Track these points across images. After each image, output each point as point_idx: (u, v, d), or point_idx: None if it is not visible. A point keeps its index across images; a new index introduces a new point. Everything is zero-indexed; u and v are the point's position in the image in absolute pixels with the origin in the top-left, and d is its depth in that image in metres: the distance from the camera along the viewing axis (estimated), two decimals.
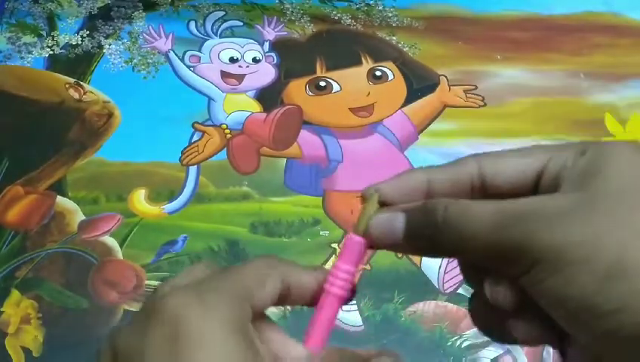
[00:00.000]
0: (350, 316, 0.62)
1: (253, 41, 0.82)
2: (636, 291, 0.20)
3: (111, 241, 0.67)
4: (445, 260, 0.65)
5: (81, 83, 0.78)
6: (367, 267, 0.65)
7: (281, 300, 0.26)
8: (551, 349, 0.61)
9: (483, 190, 0.25)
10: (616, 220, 0.21)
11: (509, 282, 0.23)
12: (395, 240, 0.25)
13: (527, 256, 0.22)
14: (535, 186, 0.24)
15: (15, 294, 0.63)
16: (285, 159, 0.73)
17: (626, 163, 0.22)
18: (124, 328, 0.24)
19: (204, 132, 0.74)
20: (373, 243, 0.26)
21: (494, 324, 0.25)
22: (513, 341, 0.25)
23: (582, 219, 0.21)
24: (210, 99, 0.77)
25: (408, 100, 0.77)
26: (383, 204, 0.26)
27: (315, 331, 0.26)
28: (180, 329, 0.22)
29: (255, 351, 0.23)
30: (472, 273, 0.26)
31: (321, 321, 0.26)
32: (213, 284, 0.24)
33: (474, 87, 0.79)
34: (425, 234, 0.24)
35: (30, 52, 0.81)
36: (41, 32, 0.83)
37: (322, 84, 0.78)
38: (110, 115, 0.76)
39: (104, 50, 0.81)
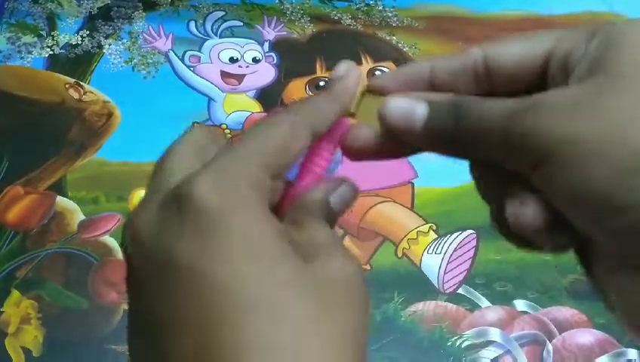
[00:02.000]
0: None
1: (253, 41, 0.82)
2: None
3: (111, 241, 0.67)
4: (445, 260, 0.65)
5: (81, 83, 0.78)
6: (367, 267, 0.65)
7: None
8: (551, 349, 0.61)
9: (488, 79, 0.24)
10: (637, 105, 0.19)
11: (534, 200, 0.22)
12: (411, 127, 0.24)
13: (540, 147, 0.20)
14: (542, 72, 0.23)
15: (15, 294, 0.63)
16: None
17: None
18: (146, 227, 0.22)
19: None
20: (388, 128, 0.25)
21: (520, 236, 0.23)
22: (541, 249, 0.23)
23: (598, 106, 0.20)
24: (210, 99, 0.77)
25: None
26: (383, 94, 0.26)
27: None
28: (206, 227, 0.20)
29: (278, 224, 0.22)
30: (492, 189, 0.24)
31: (301, 188, 0.26)
32: (231, 165, 0.22)
33: None
34: (445, 124, 0.23)
35: (30, 52, 0.81)
36: (41, 32, 0.83)
37: (322, 84, 0.78)
38: (110, 114, 0.76)
39: (104, 50, 0.81)
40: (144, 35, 0.83)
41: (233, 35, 0.83)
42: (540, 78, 0.23)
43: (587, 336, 0.62)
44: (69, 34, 0.83)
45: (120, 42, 0.82)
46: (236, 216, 0.21)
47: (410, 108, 0.24)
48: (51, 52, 0.81)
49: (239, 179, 0.22)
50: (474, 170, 0.25)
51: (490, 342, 0.61)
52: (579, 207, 0.20)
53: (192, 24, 0.84)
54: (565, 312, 0.63)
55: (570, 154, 0.20)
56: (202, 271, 0.20)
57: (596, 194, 0.19)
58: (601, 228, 0.20)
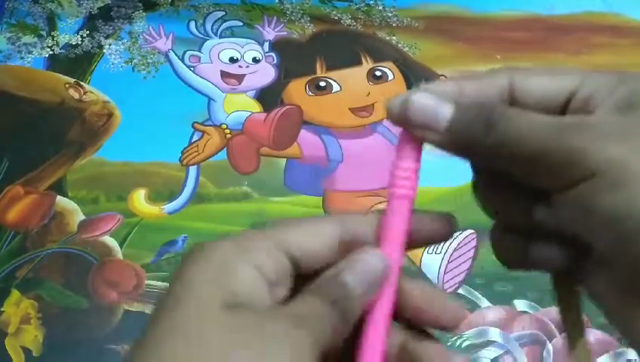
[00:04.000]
0: None
1: (253, 41, 0.82)
2: None
3: (111, 241, 0.67)
4: (445, 260, 0.65)
5: (81, 83, 0.78)
6: None
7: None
8: (551, 349, 0.61)
9: (509, 100, 0.24)
10: None
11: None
12: (433, 126, 0.23)
13: (586, 166, 0.20)
14: (564, 108, 0.23)
15: (15, 294, 0.63)
16: (285, 159, 0.73)
17: None
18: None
19: (204, 132, 0.74)
20: (409, 128, 0.24)
21: (513, 251, 0.24)
22: (531, 267, 0.23)
23: None
24: (210, 99, 0.77)
25: None
26: None
27: (389, 238, 0.24)
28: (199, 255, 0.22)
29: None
30: (493, 197, 0.24)
31: (393, 226, 0.24)
32: (255, 235, 0.23)
33: None
34: (473, 129, 0.22)
35: (30, 52, 0.81)
36: (41, 32, 0.83)
37: (322, 84, 0.78)
38: (110, 114, 0.76)
39: (104, 50, 0.81)
40: (144, 35, 0.83)
41: (233, 35, 0.83)
42: (561, 111, 0.24)
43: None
44: (69, 34, 0.83)
45: (120, 42, 0.82)
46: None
47: (435, 105, 0.23)
48: (51, 52, 0.81)
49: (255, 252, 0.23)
50: (480, 179, 0.25)
51: (490, 342, 0.61)
52: (613, 228, 0.20)
53: (192, 24, 0.84)
54: None
55: (618, 175, 0.20)
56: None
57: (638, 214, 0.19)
58: (629, 250, 0.20)
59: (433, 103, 0.23)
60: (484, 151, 0.23)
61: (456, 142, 0.23)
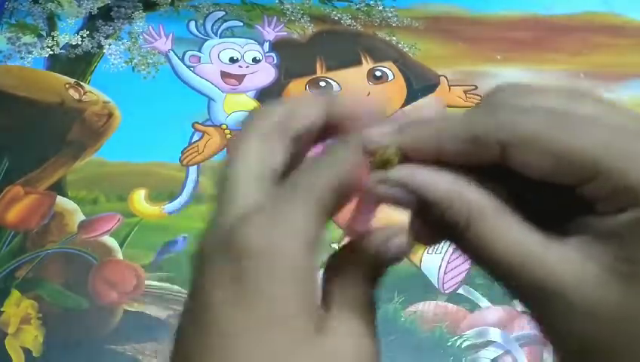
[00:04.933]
0: None
1: (253, 41, 0.82)
2: None
3: (111, 241, 0.67)
4: (445, 260, 0.65)
5: (81, 83, 0.78)
6: None
7: None
8: (551, 349, 0.61)
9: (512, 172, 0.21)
10: None
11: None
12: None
13: (548, 335, 0.21)
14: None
15: (15, 294, 0.63)
16: None
17: None
18: (197, 260, 0.23)
19: (204, 132, 0.74)
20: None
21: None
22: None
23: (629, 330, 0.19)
24: (210, 99, 0.77)
25: (408, 100, 0.77)
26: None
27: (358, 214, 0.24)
28: (245, 287, 0.21)
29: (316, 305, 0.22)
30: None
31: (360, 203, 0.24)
32: (282, 206, 0.22)
33: (474, 87, 0.79)
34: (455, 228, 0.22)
35: (30, 52, 0.81)
36: (41, 32, 0.83)
37: (322, 84, 0.78)
38: (110, 115, 0.76)
39: (104, 51, 0.81)
40: (144, 35, 0.83)
41: (233, 35, 0.83)
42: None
43: None
44: (69, 34, 0.83)
45: (120, 42, 0.82)
46: (274, 282, 0.21)
47: (397, 198, 0.22)
48: (51, 52, 0.81)
49: (289, 236, 0.21)
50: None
51: (490, 342, 0.61)
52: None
53: (192, 24, 0.84)
54: None
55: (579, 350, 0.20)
56: (221, 317, 0.21)
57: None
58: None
59: (393, 196, 0.22)
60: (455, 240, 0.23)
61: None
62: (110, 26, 0.83)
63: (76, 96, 0.77)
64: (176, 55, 0.81)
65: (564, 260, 0.20)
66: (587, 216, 0.20)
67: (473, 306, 0.63)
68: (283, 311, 0.20)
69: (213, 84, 0.78)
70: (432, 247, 0.66)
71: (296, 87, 0.78)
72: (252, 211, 0.22)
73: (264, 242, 0.21)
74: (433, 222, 0.22)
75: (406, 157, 0.22)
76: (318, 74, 0.79)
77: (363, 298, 0.23)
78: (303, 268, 0.21)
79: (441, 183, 0.21)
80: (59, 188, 0.70)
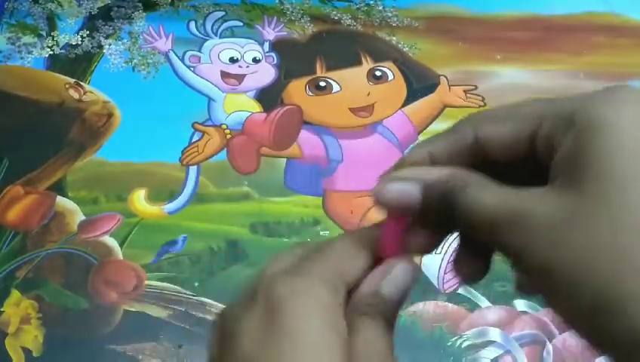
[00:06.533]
0: None
1: (253, 41, 0.82)
2: (629, 330, 0.18)
3: (111, 241, 0.67)
4: (445, 260, 0.65)
5: (81, 83, 0.78)
6: None
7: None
8: (551, 349, 0.61)
9: (483, 153, 0.24)
10: (613, 229, 0.18)
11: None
12: (408, 208, 0.24)
13: (520, 266, 0.21)
14: (531, 147, 0.23)
15: (15, 294, 0.63)
16: (285, 159, 0.73)
17: (626, 138, 0.19)
18: (230, 310, 0.24)
19: (204, 132, 0.74)
20: (390, 212, 0.25)
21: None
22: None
23: (573, 232, 0.19)
24: (210, 99, 0.77)
25: (408, 100, 0.77)
26: None
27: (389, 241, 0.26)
28: (275, 319, 0.22)
29: (343, 333, 0.24)
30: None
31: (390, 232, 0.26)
32: (307, 268, 0.24)
33: (474, 87, 0.79)
34: (440, 206, 0.23)
35: (30, 52, 0.81)
36: (41, 32, 0.83)
37: (322, 84, 0.78)
38: (110, 115, 0.76)
39: (104, 50, 0.81)
40: (144, 35, 0.83)
41: (233, 35, 0.83)
42: (529, 150, 0.24)
43: None
44: (69, 34, 0.83)
45: (120, 42, 0.82)
46: (303, 321, 0.22)
47: (406, 190, 0.24)
48: (51, 52, 0.81)
49: (315, 288, 0.23)
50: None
51: (490, 342, 0.61)
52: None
53: (192, 24, 0.84)
54: None
55: (545, 281, 0.20)
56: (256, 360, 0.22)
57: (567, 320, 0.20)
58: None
59: (402, 189, 0.24)
60: (455, 221, 0.24)
61: (428, 219, 0.25)
62: (110, 26, 0.83)
63: (76, 96, 0.77)
64: (176, 55, 0.81)
65: (534, 196, 0.21)
66: None
67: (473, 306, 0.63)
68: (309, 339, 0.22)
69: (213, 84, 0.78)
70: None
71: (297, 87, 0.78)
72: None
73: (291, 301, 0.23)
74: (432, 216, 0.24)
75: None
76: (318, 74, 0.79)
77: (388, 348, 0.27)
78: (329, 304, 0.23)
79: (437, 169, 0.24)
80: (59, 188, 0.70)
